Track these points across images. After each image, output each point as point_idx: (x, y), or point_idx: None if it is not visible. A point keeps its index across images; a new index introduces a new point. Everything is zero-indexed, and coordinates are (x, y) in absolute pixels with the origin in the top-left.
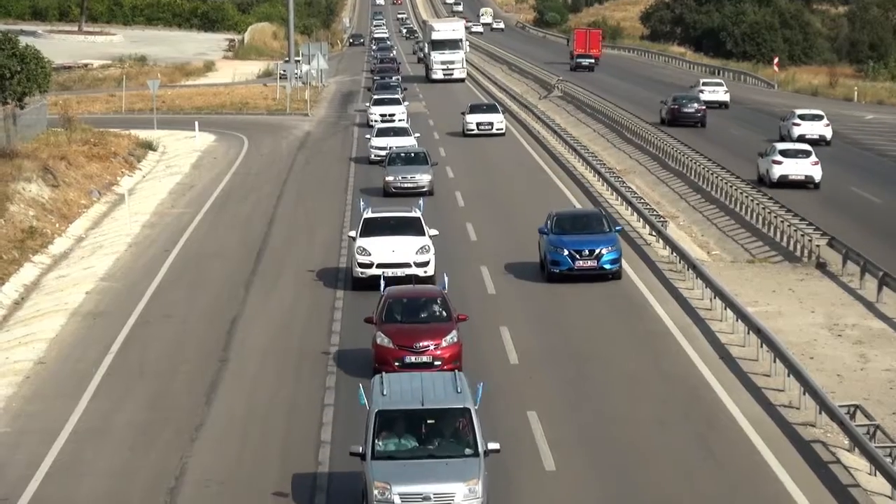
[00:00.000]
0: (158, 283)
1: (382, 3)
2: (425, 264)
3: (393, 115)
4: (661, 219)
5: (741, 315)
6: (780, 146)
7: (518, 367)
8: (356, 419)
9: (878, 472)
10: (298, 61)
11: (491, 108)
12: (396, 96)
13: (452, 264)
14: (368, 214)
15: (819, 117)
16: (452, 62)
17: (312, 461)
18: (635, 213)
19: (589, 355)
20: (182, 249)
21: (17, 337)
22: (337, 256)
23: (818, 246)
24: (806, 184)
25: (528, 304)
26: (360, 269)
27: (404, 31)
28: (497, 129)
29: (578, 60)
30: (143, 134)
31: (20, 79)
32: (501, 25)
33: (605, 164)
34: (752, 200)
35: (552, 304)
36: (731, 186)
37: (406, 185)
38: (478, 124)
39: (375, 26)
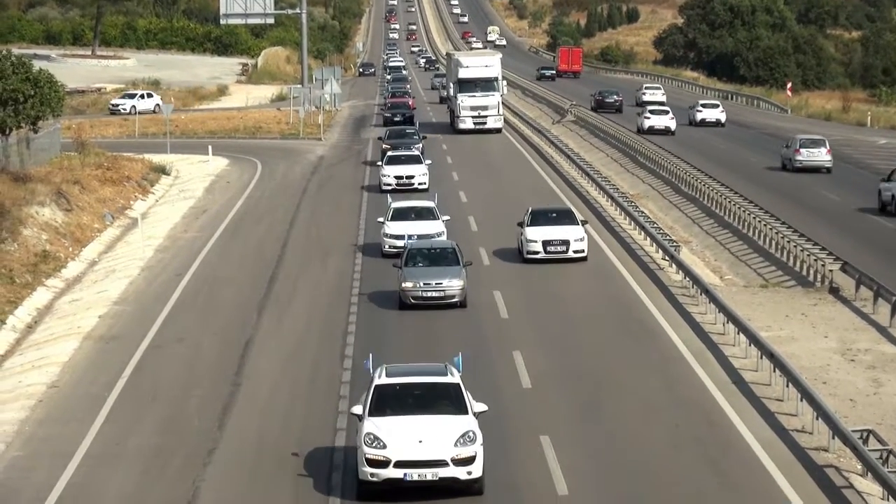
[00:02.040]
0: (171, 307)
1: (396, 36)
2: (469, 461)
3: (412, 177)
4: (674, 243)
5: (754, 340)
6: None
7: (531, 392)
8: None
9: (890, 497)
10: (310, 86)
11: (565, 217)
12: (415, 153)
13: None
14: (380, 380)
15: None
16: (485, 108)
17: (325, 486)
18: (648, 238)
19: (602, 380)
20: (195, 273)
21: (30, 360)
22: (350, 281)
23: (831, 271)
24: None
25: (540, 329)
26: (368, 471)
27: (422, 61)
28: (575, 252)
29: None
30: (157, 158)
31: (34, 103)
32: (504, 42)
33: (618, 189)
34: (765, 225)
35: (564, 329)
36: (744, 211)
37: (431, 295)
38: (545, 243)
39: (390, 51)
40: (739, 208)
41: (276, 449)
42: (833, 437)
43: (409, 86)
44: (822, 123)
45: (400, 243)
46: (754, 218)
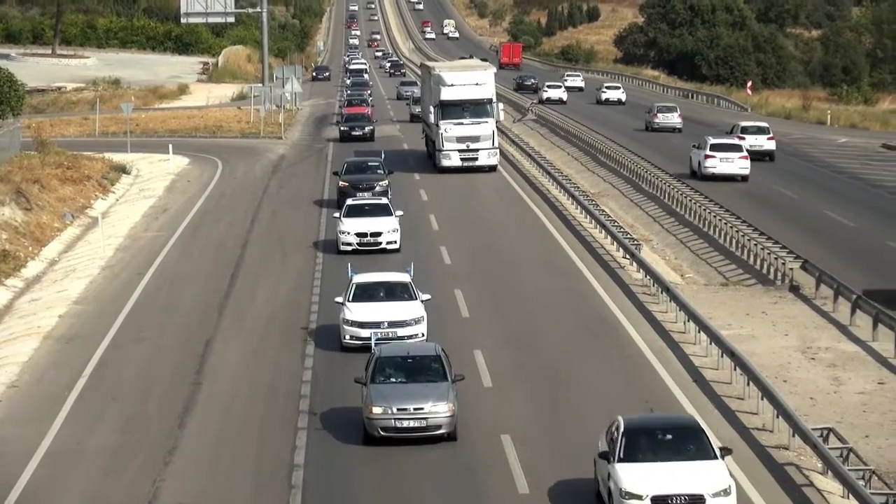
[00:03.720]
0: (131, 307)
1: (357, 42)
2: None
3: (378, 234)
4: (635, 242)
5: (715, 338)
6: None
7: (492, 391)
8: (329, 446)
9: (850, 495)
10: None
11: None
12: (383, 200)
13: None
14: None
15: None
16: (476, 139)
17: (286, 484)
18: (609, 237)
19: (563, 378)
20: (155, 272)
21: None
22: (311, 280)
23: (791, 269)
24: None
25: (501, 326)
26: None
27: (387, 65)
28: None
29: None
30: (117, 157)
31: None
32: (457, 35)
33: (578, 188)
34: (725, 224)
35: (525, 328)
36: (704, 209)
37: (408, 426)
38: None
39: (351, 53)
40: (700, 206)
41: (236, 447)
42: (793, 436)
43: (368, 91)
44: (783, 122)
45: (365, 334)
46: (714, 216)
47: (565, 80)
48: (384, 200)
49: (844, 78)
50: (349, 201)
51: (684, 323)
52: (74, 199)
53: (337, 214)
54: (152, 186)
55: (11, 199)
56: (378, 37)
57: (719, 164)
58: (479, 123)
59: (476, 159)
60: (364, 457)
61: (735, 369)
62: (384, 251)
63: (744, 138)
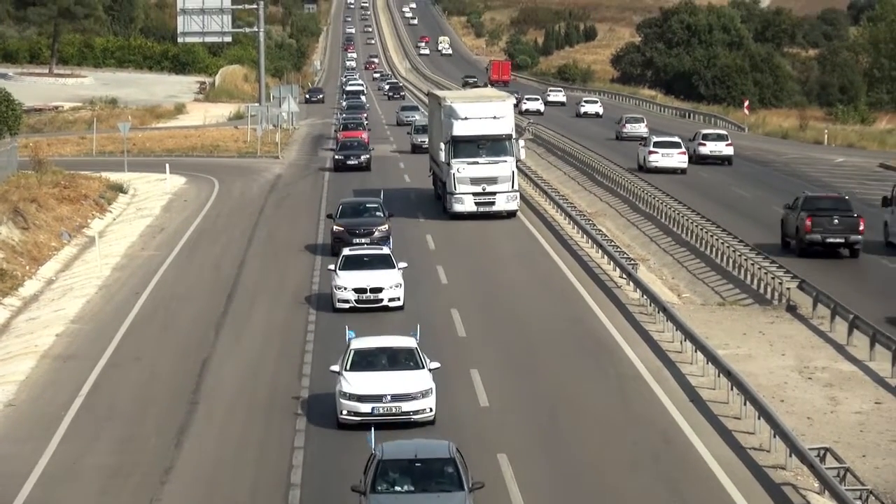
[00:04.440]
0: (129, 326)
1: (354, 65)
2: None
3: (379, 290)
4: (632, 261)
5: (711, 358)
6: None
7: (488, 410)
8: (325, 462)
9: None
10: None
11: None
12: (384, 250)
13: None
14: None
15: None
16: (494, 180)
17: (283, 503)
18: (606, 256)
19: (559, 398)
20: (152, 292)
21: None
22: (308, 299)
23: (788, 289)
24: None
25: (497, 347)
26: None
27: (385, 87)
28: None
29: (492, 83)
30: (114, 176)
31: None
32: (450, 51)
33: (575, 207)
34: (722, 243)
35: (522, 348)
36: (701, 229)
37: None
38: None
39: (348, 74)
40: (697, 226)
41: (233, 467)
42: (790, 455)
43: (365, 115)
44: (780, 141)
45: (365, 409)
46: (711, 236)
47: (548, 95)
48: (385, 250)
49: (841, 97)
50: (346, 251)
51: (681, 342)
52: (72, 219)
53: (332, 267)
54: (149, 206)
55: (9, 219)
56: (376, 60)
57: (661, 158)
58: (496, 163)
59: (493, 204)
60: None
61: (732, 389)
62: (386, 309)
63: (705, 144)
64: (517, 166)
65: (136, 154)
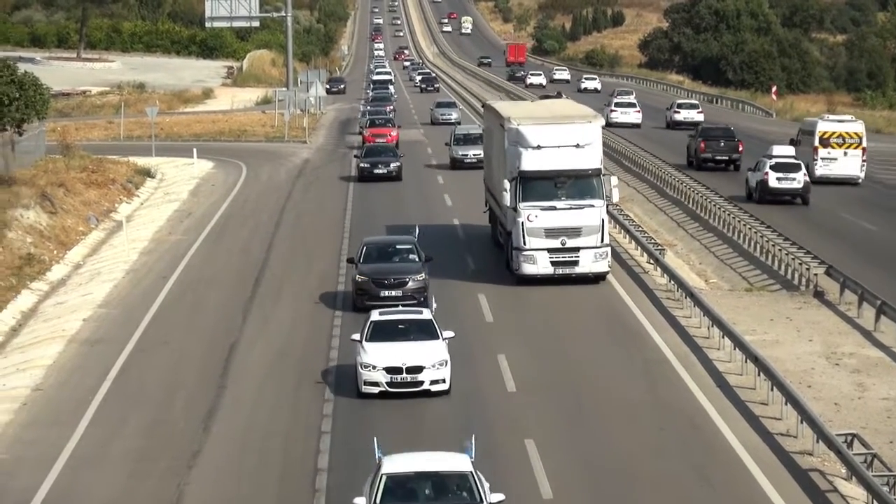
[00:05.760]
0: (156, 310)
1: (382, 53)
2: None
3: (418, 371)
4: (659, 247)
5: (739, 343)
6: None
7: (516, 395)
8: (353, 446)
9: (875, 502)
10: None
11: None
12: (425, 315)
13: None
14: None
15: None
16: (577, 232)
17: (310, 488)
18: (633, 241)
19: (587, 383)
20: (180, 276)
21: (14, 363)
22: (335, 283)
23: (816, 274)
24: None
25: (525, 333)
26: None
27: (417, 78)
28: None
29: (512, 70)
30: (142, 161)
31: (18, 105)
32: (469, 31)
33: None
34: (749, 229)
35: (549, 333)
36: (728, 215)
37: None
38: None
39: (377, 63)
40: (724, 212)
41: (260, 451)
42: (817, 441)
43: (391, 108)
44: None
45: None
46: (739, 221)
47: (553, 73)
48: (426, 314)
49: (869, 83)
50: (374, 316)
51: (708, 328)
52: (99, 203)
53: (356, 336)
54: (177, 190)
55: (37, 203)
56: (406, 51)
57: (620, 115)
58: (581, 208)
59: (576, 263)
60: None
61: (759, 375)
62: (427, 394)
63: (679, 112)
64: (608, 212)
65: (164, 139)
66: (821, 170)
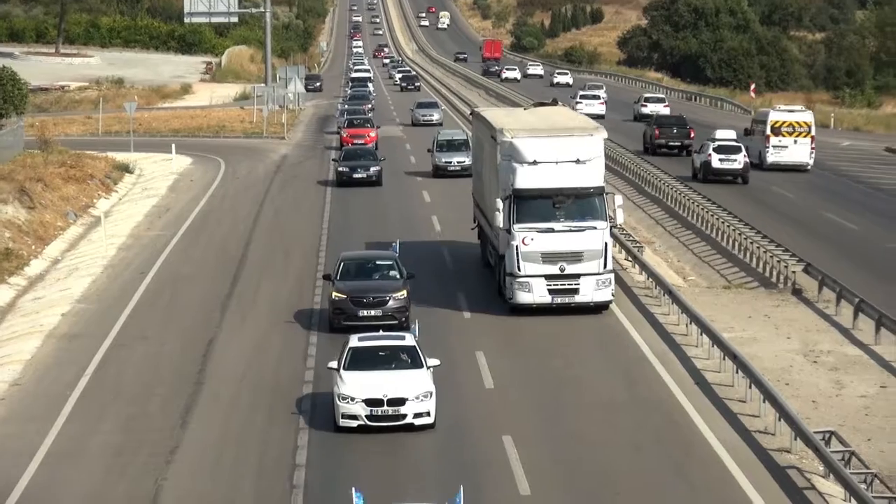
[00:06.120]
0: (134, 306)
1: (361, 51)
2: None
3: (401, 402)
4: (637, 244)
5: (717, 341)
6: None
7: (493, 392)
8: (330, 443)
9: (852, 499)
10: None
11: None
12: (405, 341)
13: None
14: None
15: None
16: (578, 257)
17: (287, 484)
18: (611, 239)
19: (564, 380)
20: (158, 272)
21: None
22: (313, 281)
23: (794, 272)
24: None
25: (501, 328)
26: None
27: (397, 76)
28: None
29: (486, 65)
30: (120, 156)
31: None
32: (445, 25)
33: None
34: (728, 227)
35: (526, 329)
36: (706, 212)
37: None
38: None
39: (356, 60)
40: (703, 209)
41: (238, 447)
42: (795, 439)
43: (369, 106)
44: None
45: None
46: (717, 219)
47: (527, 68)
48: (409, 339)
49: (848, 81)
50: (353, 341)
51: (686, 325)
52: (77, 198)
53: (333, 364)
54: (155, 186)
55: (15, 198)
56: (386, 48)
57: (584, 107)
58: (581, 230)
59: (576, 291)
60: (365, 450)
61: (737, 372)
62: (410, 429)
63: (646, 105)
64: (612, 234)
65: (142, 134)
66: (772, 157)
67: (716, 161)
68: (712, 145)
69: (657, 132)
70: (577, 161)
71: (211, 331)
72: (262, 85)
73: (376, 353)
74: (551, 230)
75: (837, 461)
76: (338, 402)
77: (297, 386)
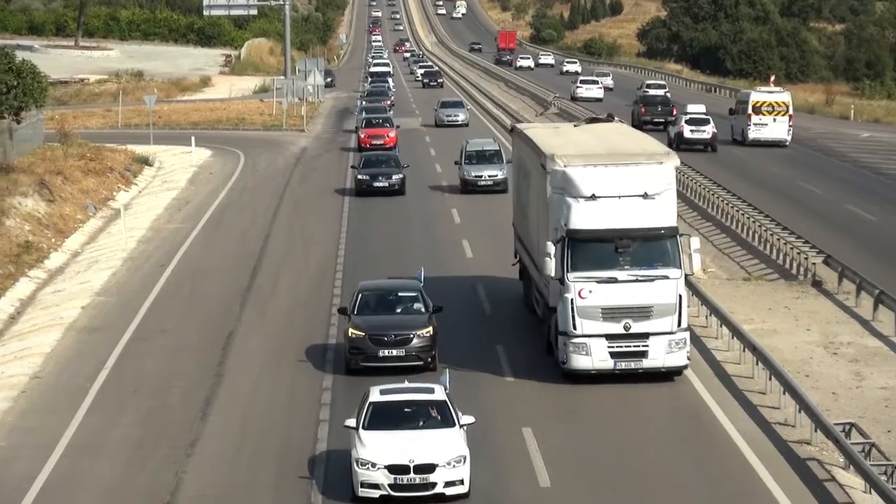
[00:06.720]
0: (154, 299)
1: (381, 44)
2: None
3: (430, 469)
4: None
5: (737, 333)
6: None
7: (513, 385)
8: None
9: (872, 491)
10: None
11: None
12: (434, 394)
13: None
14: None
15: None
16: (646, 311)
17: (308, 476)
18: None
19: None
20: (178, 265)
21: (12, 351)
22: (332, 272)
23: (814, 264)
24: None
25: (520, 323)
26: None
27: (419, 72)
28: None
29: (499, 55)
30: (140, 149)
31: (17, 93)
32: (459, 15)
33: None
34: (748, 218)
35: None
36: (727, 204)
37: None
38: None
39: (374, 53)
40: (723, 201)
41: (258, 440)
42: (815, 431)
43: (388, 102)
44: (806, 116)
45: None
46: (738, 211)
47: (539, 58)
48: (439, 393)
49: (868, 72)
50: (374, 394)
51: (706, 317)
52: (97, 191)
53: (351, 422)
54: (175, 178)
55: (35, 191)
56: (407, 43)
57: (584, 91)
58: (650, 280)
59: (644, 355)
60: None
61: (757, 364)
62: (441, 499)
63: (648, 91)
64: (685, 280)
65: (162, 127)
66: (753, 134)
67: (687, 132)
68: (684, 118)
69: (643, 110)
70: (645, 195)
71: (231, 323)
72: (282, 77)
73: (401, 409)
74: (614, 280)
75: (857, 453)
76: (356, 467)
77: (317, 379)
